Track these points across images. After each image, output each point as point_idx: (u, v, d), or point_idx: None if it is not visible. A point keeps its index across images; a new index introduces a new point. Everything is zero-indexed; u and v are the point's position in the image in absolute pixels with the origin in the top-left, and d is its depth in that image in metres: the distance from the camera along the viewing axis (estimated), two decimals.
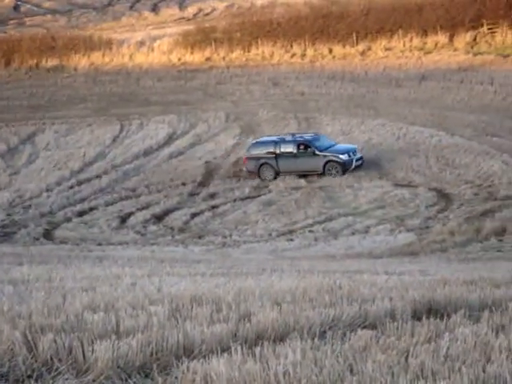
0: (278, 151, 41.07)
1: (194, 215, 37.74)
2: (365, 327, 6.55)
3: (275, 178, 41.15)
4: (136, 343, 5.45)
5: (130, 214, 38.28)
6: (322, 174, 40.20)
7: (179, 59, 67.18)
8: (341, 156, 39.98)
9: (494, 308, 7.35)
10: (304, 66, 61.94)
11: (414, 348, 5.50)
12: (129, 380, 4.97)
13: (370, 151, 45.10)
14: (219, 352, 5.36)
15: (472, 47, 57.48)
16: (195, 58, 66.55)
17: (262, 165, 41.36)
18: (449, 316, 6.98)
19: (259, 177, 41.53)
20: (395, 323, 6.51)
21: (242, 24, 67.66)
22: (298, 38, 63.89)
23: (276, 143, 41.42)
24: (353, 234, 32.90)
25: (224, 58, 65.91)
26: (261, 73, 62.45)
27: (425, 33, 59.43)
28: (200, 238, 34.40)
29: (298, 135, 42.11)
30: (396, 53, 59.65)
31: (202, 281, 10.64)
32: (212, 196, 40.80)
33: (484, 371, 4.80)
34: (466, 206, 34.82)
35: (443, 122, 47.46)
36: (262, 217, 36.77)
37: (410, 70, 56.76)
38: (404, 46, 59.88)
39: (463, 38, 57.74)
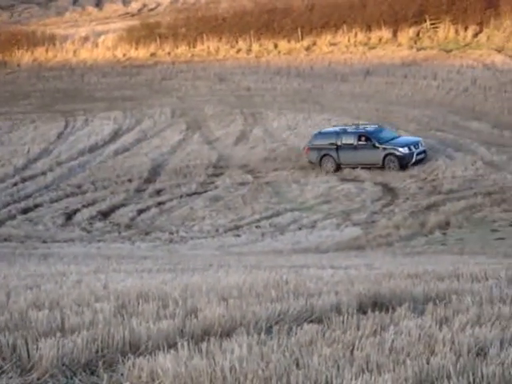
0: (339, 142, 39.85)
1: (140, 211, 37.56)
2: (311, 321, 6.58)
3: (337, 171, 39.96)
4: (81, 340, 5.41)
5: (76, 211, 37.96)
6: (383, 168, 38.78)
7: (124, 55, 66.77)
8: (400, 149, 38.39)
9: (437, 301, 7.44)
10: (250, 62, 61.97)
11: (360, 341, 5.54)
12: (74, 378, 4.94)
13: None
14: (165, 348, 5.35)
15: (415, 42, 58.02)
16: (140, 53, 66.20)
17: (323, 156, 40.20)
18: (394, 309, 7.04)
19: (321, 168, 40.33)
20: (341, 317, 6.55)
21: (187, 19, 67.44)
22: (243, 34, 63.88)
23: (338, 134, 40.22)
24: (299, 229, 33.02)
25: (169, 54, 65.66)
26: (206, 68, 62.34)
27: (369, 28, 59.82)
28: (147, 234, 34.25)
29: (361, 126, 40.57)
30: (341, 48, 59.97)
31: (149, 277, 10.60)
32: (158, 192, 40.64)
33: (428, 363, 4.85)
34: (410, 200, 35.16)
35: (388, 117, 47.85)
36: (208, 213, 36.74)
37: (355, 65, 57.11)
38: (348, 41, 60.22)
39: (406, 34, 58.24)
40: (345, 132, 40.06)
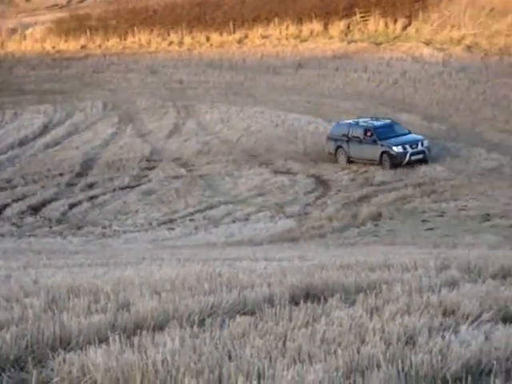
0: (349, 135, 38.69)
1: (72, 206, 37.17)
2: (244, 313, 6.59)
3: (348, 163, 38.62)
4: (10, 336, 5.34)
5: (6, 206, 37.39)
6: (380, 165, 37.32)
7: (53, 47, 65.92)
8: (394, 148, 36.72)
9: (368, 291, 7.52)
10: (182, 54, 61.73)
11: (292, 332, 5.57)
12: (2, 374, 4.87)
13: (249, 139, 45.38)
14: (97, 343, 5.31)
15: (346, 35, 58.44)
16: (70, 46, 65.43)
17: (337, 148, 39.10)
18: (326, 300, 7.10)
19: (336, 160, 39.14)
20: (273, 309, 6.58)
21: (118, 11, 66.87)
22: (174, 26, 63.58)
23: (350, 126, 38.93)
24: (233, 221, 33.06)
25: (100, 46, 65.03)
26: (138, 61, 61.93)
27: (300, 21, 60.05)
28: (79, 228, 33.93)
29: (373, 119, 39.48)
30: (272, 41, 60.10)
31: (80, 272, 10.50)
32: (91, 186, 40.27)
33: (358, 352, 4.90)
34: (343, 192, 35.46)
35: (320, 109, 48.14)
36: (142, 206, 36.55)
37: (287, 58, 57.31)
38: (280, 33, 60.38)
39: (337, 26, 58.61)
40: (356, 125, 38.86)
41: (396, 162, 36.44)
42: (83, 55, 64.39)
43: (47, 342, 5.50)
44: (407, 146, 36.54)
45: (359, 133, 38.23)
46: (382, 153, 37.07)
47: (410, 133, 38.21)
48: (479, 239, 23.43)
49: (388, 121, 39.29)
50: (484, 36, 51.73)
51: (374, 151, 37.43)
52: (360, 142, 38.11)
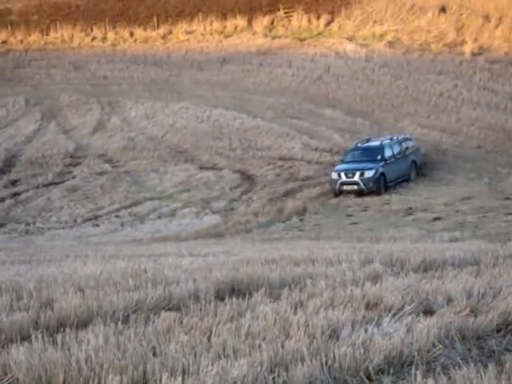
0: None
1: None
2: (169, 309, 6.59)
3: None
4: None
5: None
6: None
7: None
8: (332, 173, 33.89)
9: (293, 285, 7.58)
10: (105, 50, 61.20)
11: (217, 327, 5.59)
12: None
13: (175, 135, 45.25)
14: (19, 341, 5.25)
15: (270, 31, 58.65)
16: None
17: None
18: (251, 295, 7.13)
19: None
20: (199, 304, 6.59)
21: (40, 6, 65.88)
22: (98, 21, 62.98)
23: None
24: (159, 217, 32.96)
25: (22, 42, 64.05)
26: (61, 56, 61.17)
27: (224, 16, 60.07)
28: (1, 226, 33.43)
29: (387, 138, 36.39)
30: (197, 36, 59.99)
31: (2, 269, 10.35)
32: (14, 183, 39.70)
33: (283, 347, 4.93)
34: (268, 187, 35.63)
35: (245, 105, 48.25)
36: (66, 203, 36.17)
37: (212, 54, 57.27)
38: (204, 29, 60.30)
39: (261, 22, 58.79)
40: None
41: (332, 189, 33.51)
42: (4, 50, 63.34)
43: None
44: (342, 174, 33.24)
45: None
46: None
47: (384, 159, 34.01)
48: (402, 233, 23.78)
49: (376, 143, 35.36)
50: (405, 32, 52.47)
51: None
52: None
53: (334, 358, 4.78)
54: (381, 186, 33.28)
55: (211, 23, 60.30)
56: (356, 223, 28.68)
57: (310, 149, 40.37)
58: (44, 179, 39.54)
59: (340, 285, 7.55)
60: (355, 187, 33.11)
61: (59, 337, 5.26)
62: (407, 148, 35.56)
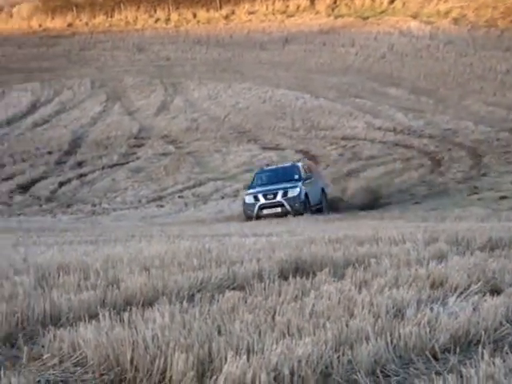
0: None
1: (61, 184, 37.14)
2: (233, 289, 6.62)
3: None
4: (0, 314, 5.35)
5: None
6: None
7: (40, 25, 65.55)
8: (245, 197, 28.43)
9: (357, 265, 7.55)
10: (169, 31, 61.48)
11: (281, 306, 5.60)
12: None
13: (237, 115, 45.31)
14: (87, 319, 5.33)
15: (333, 10, 58.26)
16: (57, 23, 65.08)
17: None
18: (314, 274, 7.13)
19: None
20: (262, 283, 6.60)
21: None
22: (161, 3, 63.29)
23: None
24: (222, 198, 33.09)
25: (87, 24, 64.71)
26: (125, 38, 61.64)
27: None
28: (68, 206, 33.91)
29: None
30: (259, 16, 59.89)
31: (70, 249, 10.51)
32: (80, 164, 40.22)
33: (347, 325, 4.92)
34: (331, 166, 35.49)
35: (307, 85, 48.05)
36: (131, 184, 36.53)
37: (274, 33, 57.12)
38: (267, 9, 60.17)
39: (324, 1, 58.44)
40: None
41: (246, 215, 27.60)
42: (70, 33, 64.06)
43: (38, 319, 5.52)
44: (260, 196, 27.69)
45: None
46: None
47: (302, 179, 28.60)
48: (467, 212, 23.51)
49: (288, 164, 30.79)
50: (471, 8, 51.63)
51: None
52: None
53: (400, 336, 4.76)
54: (307, 206, 27.77)
55: (273, 3, 60.14)
56: (419, 203, 28.43)
57: (374, 128, 40.09)
58: (109, 160, 39.98)
59: (404, 264, 7.51)
60: (279, 209, 27.27)
61: (126, 315, 5.32)
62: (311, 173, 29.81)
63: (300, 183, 28.20)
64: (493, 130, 37.53)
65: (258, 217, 27.14)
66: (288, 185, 28.10)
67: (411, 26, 52.49)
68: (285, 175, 28.85)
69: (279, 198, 27.64)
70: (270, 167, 31.12)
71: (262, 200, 27.64)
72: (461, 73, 45.64)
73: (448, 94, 43.79)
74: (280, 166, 30.72)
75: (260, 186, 28.56)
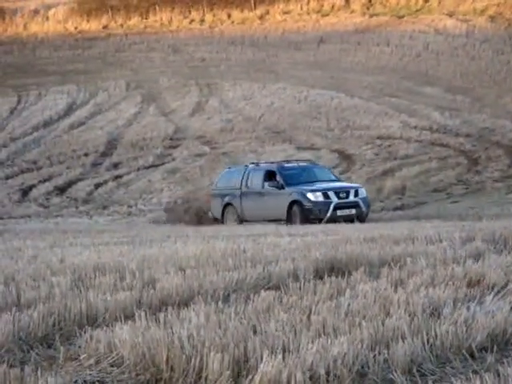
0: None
1: (97, 186, 37.36)
2: (268, 288, 6.62)
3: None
4: (37, 314, 5.40)
5: (32, 187, 37.64)
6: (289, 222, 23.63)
7: (75, 28, 65.98)
8: (308, 195, 23.86)
9: (393, 264, 7.52)
10: (203, 32, 61.63)
11: (316, 306, 5.59)
12: (31, 351, 4.93)
13: (272, 115, 45.29)
14: (123, 319, 5.36)
15: (368, 9, 58.04)
16: (92, 26, 65.47)
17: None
18: (350, 273, 7.11)
19: None
20: (298, 283, 6.60)
21: None
22: (195, 4, 63.44)
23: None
24: None
25: (122, 26, 65.03)
26: (160, 40, 61.88)
27: None
28: (104, 208, 34.11)
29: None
30: (294, 16, 59.82)
31: (106, 250, 10.57)
32: (115, 166, 40.43)
33: (383, 324, 4.91)
34: (367, 166, 35.34)
35: (342, 84, 47.93)
36: (166, 185, 36.65)
37: (309, 33, 57.04)
38: (301, 9, 60.09)
39: (359, 0, 58.26)
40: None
41: (311, 215, 23.53)
42: (105, 35, 64.42)
43: (74, 320, 5.56)
44: (331, 194, 23.91)
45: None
46: (292, 203, 24.02)
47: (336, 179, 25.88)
48: (506, 211, 23.31)
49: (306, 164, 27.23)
50: (507, 6, 51.18)
51: (277, 202, 24.27)
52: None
53: (436, 335, 4.73)
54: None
55: (308, 2, 60.06)
56: (457, 202, 28.24)
57: (409, 127, 39.86)
58: (144, 161, 40.14)
59: (441, 263, 7.47)
60: (353, 211, 23.62)
61: (161, 315, 5.34)
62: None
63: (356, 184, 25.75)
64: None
65: (333, 219, 23.04)
66: (345, 184, 25.33)
67: (447, 24, 52.15)
68: (314, 175, 25.45)
69: (352, 197, 23.98)
70: (291, 164, 26.34)
71: (335, 199, 23.72)
72: (497, 71, 45.25)
73: (485, 93, 43.44)
74: (302, 164, 26.57)
75: (302, 183, 24.41)
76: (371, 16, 56.95)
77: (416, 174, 32.95)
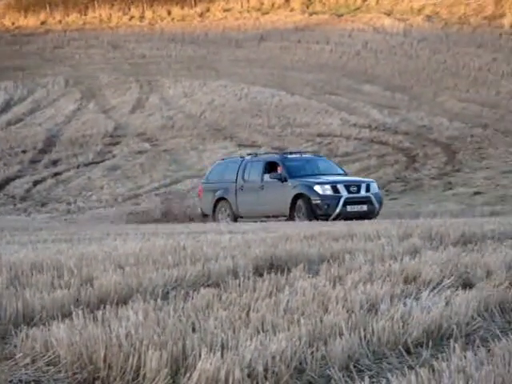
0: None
1: (36, 183, 36.96)
2: (208, 286, 6.62)
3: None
4: None
5: None
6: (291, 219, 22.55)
7: (13, 23, 65.14)
8: (316, 187, 22.13)
9: (331, 260, 7.57)
10: (143, 29, 61.32)
11: (256, 303, 5.60)
12: None
13: (213, 113, 45.27)
14: (60, 318, 5.30)
15: (307, 7, 58.33)
16: (30, 21, 64.71)
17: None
18: (289, 270, 7.14)
19: None
20: (237, 280, 6.60)
21: None
22: (135, 0, 63.11)
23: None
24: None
25: (60, 22, 64.39)
26: (99, 36, 61.41)
27: None
28: (43, 205, 33.76)
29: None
30: (234, 14, 59.87)
31: (44, 248, 10.46)
32: (54, 163, 40.03)
33: (321, 321, 4.93)
34: None
35: (283, 82, 48.10)
36: (107, 182, 36.42)
37: (249, 31, 57.13)
38: (242, 6, 60.16)
39: None
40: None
41: (318, 212, 21.72)
42: (43, 31, 63.72)
43: (10, 318, 5.49)
44: (340, 188, 22.21)
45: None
46: (296, 197, 22.36)
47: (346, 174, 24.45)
48: (442, 208, 23.62)
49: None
50: (444, 5, 51.88)
51: (279, 196, 22.63)
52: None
53: (373, 331, 4.77)
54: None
55: (248, 0, 60.14)
56: (395, 199, 28.55)
57: (349, 125, 40.19)
58: (84, 159, 39.83)
59: (379, 259, 7.55)
60: (365, 207, 22.06)
61: (99, 313, 5.31)
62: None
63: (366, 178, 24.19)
64: (467, 126, 37.74)
65: (337, 216, 21.23)
66: (355, 178, 24.11)
67: (385, 23, 52.66)
68: (320, 167, 23.73)
69: (364, 191, 22.14)
70: (294, 156, 24.39)
71: (345, 193, 21.83)
72: (434, 70, 45.85)
73: (422, 91, 43.98)
74: (305, 156, 24.82)
75: (308, 176, 22.76)
76: (311, 14, 57.25)
77: (356, 172, 33.23)
